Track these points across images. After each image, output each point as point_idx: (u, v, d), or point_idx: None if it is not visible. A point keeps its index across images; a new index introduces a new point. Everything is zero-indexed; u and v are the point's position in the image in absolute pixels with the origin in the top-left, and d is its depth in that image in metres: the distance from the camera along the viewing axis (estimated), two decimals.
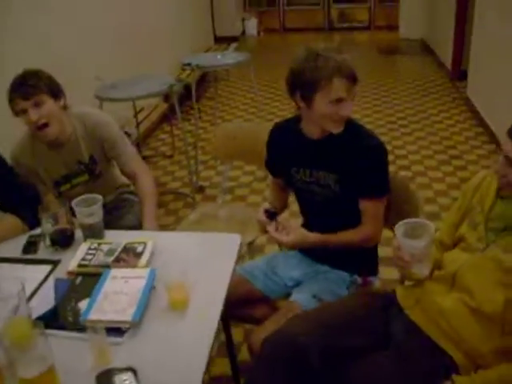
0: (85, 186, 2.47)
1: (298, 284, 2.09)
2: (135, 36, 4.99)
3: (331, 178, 1.95)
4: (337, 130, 1.89)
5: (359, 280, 2.05)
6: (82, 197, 1.99)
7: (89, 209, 1.94)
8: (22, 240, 2.01)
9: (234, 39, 8.32)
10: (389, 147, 3.28)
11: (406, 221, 1.60)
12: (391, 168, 2.10)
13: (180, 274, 1.59)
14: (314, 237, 1.92)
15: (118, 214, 2.63)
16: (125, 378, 1.32)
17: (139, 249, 1.85)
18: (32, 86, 2.19)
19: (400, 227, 1.58)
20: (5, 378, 1.29)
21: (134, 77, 3.88)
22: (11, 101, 2.20)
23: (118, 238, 1.95)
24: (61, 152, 2.40)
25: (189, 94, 4.77)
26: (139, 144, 4.58)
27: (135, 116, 4.19)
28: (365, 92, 6.21)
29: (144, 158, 4.74)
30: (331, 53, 1.80)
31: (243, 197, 4.11)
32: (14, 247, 1.97)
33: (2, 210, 2.08)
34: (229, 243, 1.90)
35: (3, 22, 3.18)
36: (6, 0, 3.20)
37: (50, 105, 2.24)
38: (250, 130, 2.94)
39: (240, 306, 2.10)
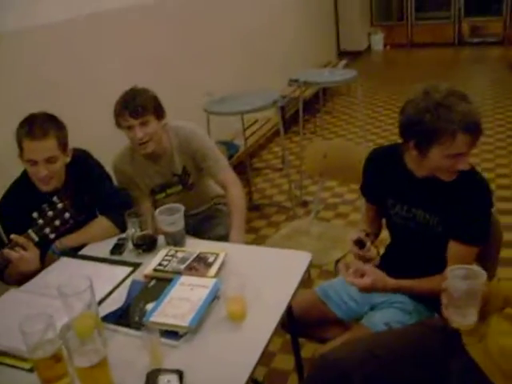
0: (178, 196, 2.62)
1: (372, 308, 2.06)
2: (250, 51, 5.15)
3: (432, 218, 1.87)
4: (449, 179, 1.78)
5: (437, 318, 1.92)
6: (166, 206, 2.13)
7: (170, 218, 2.07)
8: (112, 241, 2.19)
9: (358, 54, 8.28)
10: None
11: (460, 266, 1.52)
12: None
13: (241, 287, 1.65)
14: (393, 283, 1.83)
15: (210, 223, 2.76)
16: (169, 379, 1.42)
17: (211, 259, 1.94)
18: (141, 106, 2.36)
19: (453, 270, 1.50)
20: (67, 366, 1.44)
21: (242, 91, 4.03)
22: (119, 115, 2.39)
23: (197, 246, 2.06)
24: (157, 163, 2.57)
25: (304, 109, 4.85)
26: (249, 156, 4.71)
27: (244, 129, 4.33)
28: (498, 114, 5.80)
29: (255, 169, 4.90)
30: (455, 100, 1.65)
31: (346, 214, 4.10)
32: (104, 247, 2.16)
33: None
34: (298, 261, 1.94)
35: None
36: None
37: (153, 125, 2.41)
38: (342, 148, 2.95)
39: (313, 326, 2.14)
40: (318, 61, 6.94)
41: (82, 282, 1.56)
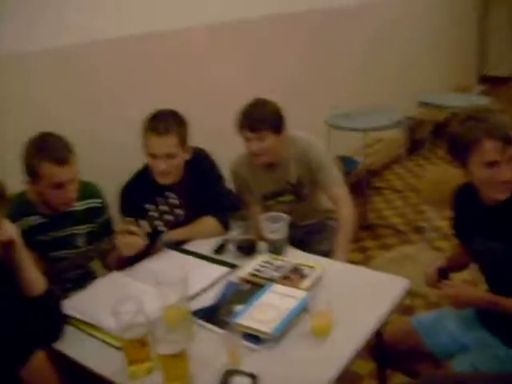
0: (289, 205, 2.65)
1: (463, 348, 1.96)
2: (376, 67, 5.05)
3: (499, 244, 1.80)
4: (502, 195, 1.76)
5: None
6: (272, 213, 2.18)
7: (274, 225, 2.11)
8: (216, 241, 2.28)
9: (502, 80, 7.81)
10: None
11: None
12: None
13: (331, 303, 1.65)
14: (483, 293, 1.82)
15: (316, 237, 2.76)
16: (243, 381, 1.45)
17: (306, 272, 1.96)
18: (260, 120, 2.41)
19: None
20: (151, 350, 1.52)
21: (366, 108, 3.99)
22: (238, 126, 2.47)
23: (296, 257, 2.08)
24: (272, 171, 2.62)
25: (436, 133, 4.71)
26: (369, 174, 4.65)
27: (365, 146, 4.29)
28: None
29: (374, 188, 4.83)
30: (486, 113, 1.73)
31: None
32: (207, 245, 2.25)
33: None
34: (394, 286, 1.90)
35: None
36: None
37: (270, 141, 2.45)
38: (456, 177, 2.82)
39: (404, 357, 2.07)
40: (451, 84, 6.63)
41: (178, 274, 1.64)
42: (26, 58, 2.42)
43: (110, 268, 2.28)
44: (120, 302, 1.52)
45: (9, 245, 1.57)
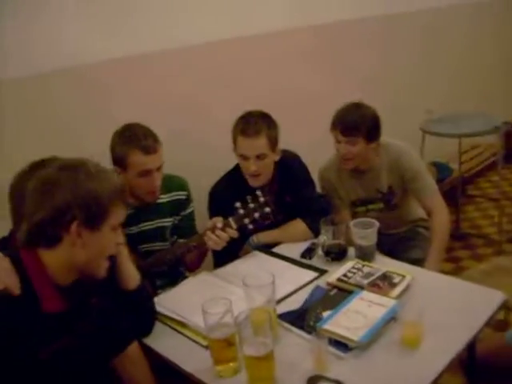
0: (379, 213, 2.60)
1: None
2: (475, 70, 4.84)
3: None
4: None
5: None
6: (362, 219, 2.14)
7: (364, 231, 2.08)
8: (304, 245, 2.26)
9: None
10: None
11: None
12: None
13: (421, 313, 1.60)
14: None
15: (406, 245, 2.69)
16: None
17: (396, 280, 1.91)
18: (354, 125, 2.39)
19: None
20: (237, 351, 1.54)
21: (461, 112, 3.84)
22: (332, 127, 2.46)
23: (385, 265, 2.04)
24: (362, 177, 2.58)
25: None
26: (463, 182, 4.48)
27: (460, 153, 4.13)
28: None
29: (468, 196, 4.65)
30: None
31: None
32: (296, 249, 2.25)
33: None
34: (488, 299, 1.81)
35: None
36: None
37: (360, 147, 2.43)
38: None
39: (497, 374, 1.97)
40: None
41: (266, 277, 1.64)
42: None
43: (186, 265, 2.33)
44: (209, 302, 1.54)
45: None
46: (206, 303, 1.53)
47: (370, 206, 2.63)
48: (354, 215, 2.63)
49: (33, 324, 1.35)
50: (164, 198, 2.31)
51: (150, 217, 2.29)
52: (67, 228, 1.38)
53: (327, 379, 1.47)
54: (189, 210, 2.41)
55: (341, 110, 2.45)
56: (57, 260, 1.42)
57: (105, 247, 1.48)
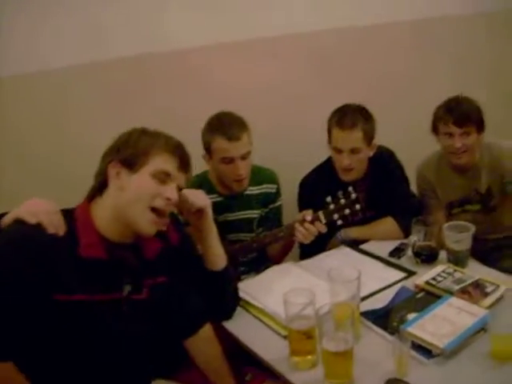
0: (475, 214, 2.48)
1: None
2: None
3: None
4: None
5: None
6: (457, 222, 2.05)
7: (458, 235, 1.99)
8: (394, 244, 2.20)
9: None
10: None
11: None
12: None
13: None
14: None
15: (502, 253, 2.55)
16: None
17: (489, 289, 1.81)
18: (467, 115, 2.30)
19: None
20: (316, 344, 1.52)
21: None
22: (440, 120, 2.35)
23: (478, 272, 1.94)
24: (461, 176, 2.47)
25: None
26: None
27: None
28: None
29: None
30: None
31: None
32: (384, 247, 2.19)
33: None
34: None
35: None
36: None
37: (473, 137, 2.33)
38: None
39: None
40: None
41: (352, 273, 1.61)
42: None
43: (271, 257, 2.33)
44: (292, 292, 1.53)
45: (201, 214, 1.68)
46: (289, 293, 1.52)
47: (467, 207, 2.51)
48: (450, 217, 2.52)
49: (64, 263, 1.37)
50: (253, 190, 2.32)
51: (238, 207, 2.31)
52: (108, 170, 1.46)
53: (404, 383, 1.42)
54: (277, 203, 2.42)
55: (447, 103, 2.35)
56: (103, 208, 1.48)
57: (143, 192, 1.45)
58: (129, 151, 1.46)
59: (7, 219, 1.42)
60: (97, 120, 2.48)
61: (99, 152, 1.55)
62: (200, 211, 1.69)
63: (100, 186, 1.51)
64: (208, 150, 2.18)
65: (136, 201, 1.45)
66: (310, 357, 1.54)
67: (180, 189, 1.54)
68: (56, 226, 1.40)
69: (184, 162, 1.52)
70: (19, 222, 1.39)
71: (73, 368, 1.40)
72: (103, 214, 1.48)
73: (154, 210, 1.46)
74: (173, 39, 2.56)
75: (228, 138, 2.11)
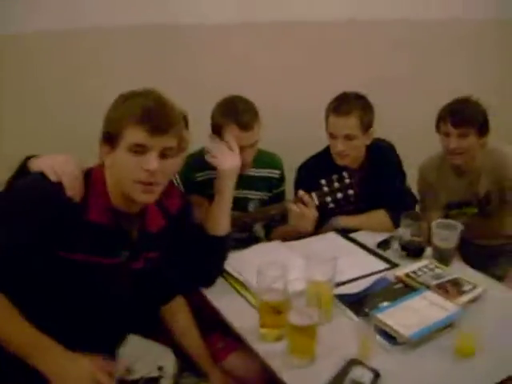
0: (471, 218, 2.50)
1: None
2: None
3: None
4: None
5: None
6: (446, 220, 2.07)
7: (445, 232, 2.01)
8: (382, 236, 2.22)
9: None
10: None
11: None
12: None
13: (481, 326, 1.54)
14: None
15: (495, 261, 2.55)
16: (364, 374, 1.41)
17: (466, 288, 1.83)
18: (466, 116, 2.31)
19: None
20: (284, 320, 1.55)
21: None
22: (443, 119, 2.37)
23: (459, 271, 1.95)
24: (461, 179, 2.48)
25: None
26: None
27: None
28: None
29: None
30: None
31: None
32: (372, 238, 2.23)
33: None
34: None
35: None
36: None
37: (471, 140, 2.33)
38: None
39: None
40: None
41: (331, 255, 1.64)
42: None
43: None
44: (266, 265, 1.57)
45: (219, 174, 1.81)
46: (263, 265, 1.56)
47: (464, 210, 2.53)
48: (447, 218, 2.53)
49: (71, 224, 1.43)
50: (254, 172, 2.34)
51: (238, 186, 2.31)
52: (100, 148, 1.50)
53: (365, 366, 1.45)
54: (281, 189, 2.44)
55: (450, 103, 2.37)
56: (111, 177, 1.52)
57: (123, 168, 1.46)
58: (106, 128, 1.48)
59: (35, 166, 1.49)
60: (117, 82, 2.54)
61: None
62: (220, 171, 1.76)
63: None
64: (218, 132, 2.16)
65: (123, 177, 1.47)
66: (277, 330, 1.57)
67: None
68: (75, 191, 1.45)
69: (157, 126, 1.42)
70: (43, 176, 1.45)
71: (59, 313, 1.47)
72: (111, 183, 1.52)
73: (139, 182, 1.47)
74: (199, 13, 2.62)
75: (240, 127, 2.09)
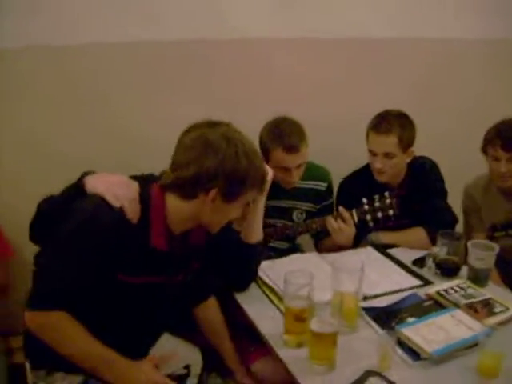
0: None
1: None
2: None
3: None
4: None
5: None
6: (482, 241, 2.08)
7: (481, 253, 1.99)
8: (420, 253, 2.22)
9: None
10: None
11: None
12: None
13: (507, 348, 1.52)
14: None
15: None
16: None
17: (497, 309, 1.81)
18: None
19: None
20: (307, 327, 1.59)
21: None
22: (490, 143, 2.34)
23: (494, 292, 1.94)
24: (508, 201, 2.45)
25: None
26: None
27: None
28: None
29: None
30: None
31: None
32: (409, 255, 2.23)
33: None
34: None
35: None
36: None
37: None
38: None
39: None
40: None
41: (359, 267, 1.68)
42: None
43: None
44: (294, 273, 1.62)
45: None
46: (290, 273, 1.61)
47: (510, 232, 2.49)
48: (492, 240, 2.49)
49: (133, 250, 1.51)
50: (302, 184, 2.39)
51: (285, 196, 2.38)
52: (206, 192, 1.51)
53: (383, 377, 1.47)
54: (329, 201, 2.49)
55: (498, 125, 2.33)
56: (181, 210, 1.57)
57: (230, 217, 1.62)
58: (227, 183, 1.51)
59: (91, 186, 1.54)
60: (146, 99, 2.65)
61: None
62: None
63: (186, 194, 1.55)
64: (265, 154, 2.22)
65: (222, 222, 1.62)
66: (299, 336, 1.61)
67: None
68: (134, 214, 1.51)
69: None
70: (104, 202, 1.48)
71: (110, 325, 1.55)
72: (177, 211, 1.57)
73: None
74: (236, 27, 2.67)
75: (287, 151, 2.16)
